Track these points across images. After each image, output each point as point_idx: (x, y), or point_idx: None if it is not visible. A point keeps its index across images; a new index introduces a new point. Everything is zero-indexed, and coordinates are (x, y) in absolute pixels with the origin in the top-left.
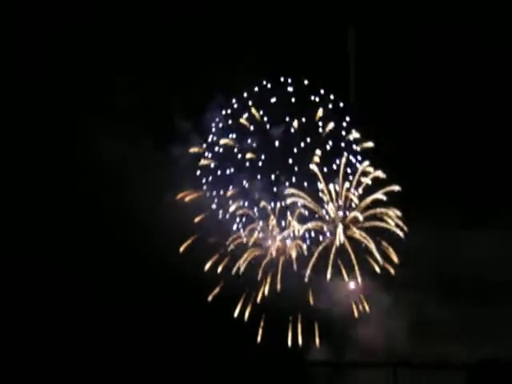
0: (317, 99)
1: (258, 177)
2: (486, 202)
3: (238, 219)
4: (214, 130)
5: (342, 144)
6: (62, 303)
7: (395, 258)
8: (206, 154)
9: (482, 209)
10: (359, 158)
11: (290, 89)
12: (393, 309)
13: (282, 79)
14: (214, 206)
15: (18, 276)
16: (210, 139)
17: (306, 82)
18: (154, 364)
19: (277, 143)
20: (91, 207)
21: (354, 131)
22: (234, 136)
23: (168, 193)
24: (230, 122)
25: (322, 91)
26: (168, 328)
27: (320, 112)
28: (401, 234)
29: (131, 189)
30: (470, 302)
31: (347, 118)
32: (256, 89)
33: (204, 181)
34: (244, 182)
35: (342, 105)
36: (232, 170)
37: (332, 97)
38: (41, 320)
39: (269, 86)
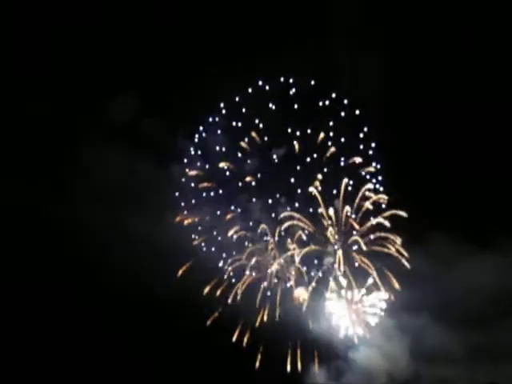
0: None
1: (257, 199)
2: (488, 228)
3: (236, 242)
4: (213, 151)
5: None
6: (65, 332)
7: (396, 285)
8: (206, 176)
9: (482, 235)
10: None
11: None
12: (393, 332)
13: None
14: (212, 229)
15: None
16: (209, 161)
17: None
18: None
19: (277, 163)
20: (86, 229)
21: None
22: (234, 158)
23: (167, 214)
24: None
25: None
26: (165, 352)
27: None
28: (403, 260)
29: (130, 210)
30: (471, 328)
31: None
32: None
33: (203, 203)
34: (243, 204)
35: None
36: (231, 192)
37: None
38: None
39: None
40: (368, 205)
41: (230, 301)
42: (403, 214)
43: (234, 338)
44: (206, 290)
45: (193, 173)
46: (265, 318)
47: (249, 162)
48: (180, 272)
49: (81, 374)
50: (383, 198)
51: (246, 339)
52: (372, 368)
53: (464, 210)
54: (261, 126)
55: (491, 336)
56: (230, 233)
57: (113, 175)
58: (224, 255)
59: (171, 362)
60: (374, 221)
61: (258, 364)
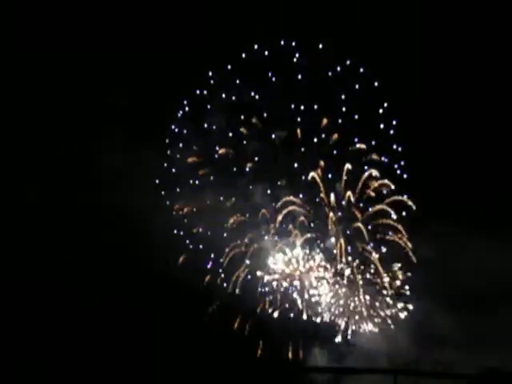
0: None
1: (257, 184)
2: (491, 213)
3: (236, 228)
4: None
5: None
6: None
7: (400, 275)
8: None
9: (486, 220)
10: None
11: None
12: (395, 317)
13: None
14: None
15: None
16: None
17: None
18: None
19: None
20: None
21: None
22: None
23: (167, 202)
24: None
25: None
26: (166, 339)
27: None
28: (408, 249)
29: (130, 197)
30: (474, 312)
31: None
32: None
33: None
34: (243, 189)
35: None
36: (229, 178)
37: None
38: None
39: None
40: (371, 192)
41: (229, 289)
42: (410, 202)
43: (235, 326)
44: (207, 278)
45: (190, 159)
46: (266, 306)
47: (245, 142)
48: (181, 260)
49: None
50: (388, 183)
51: (247, 327)
52: (372, 351)
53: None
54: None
55: (492, 321)
56: (231, 221)
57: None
58: (223, 243)
59: (170, 348)
60: (377, 207)
61: (259, 351)
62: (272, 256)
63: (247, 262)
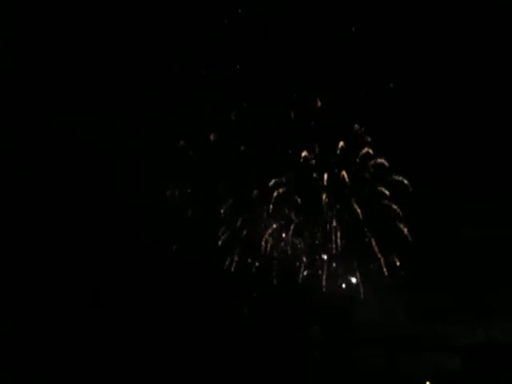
0: None
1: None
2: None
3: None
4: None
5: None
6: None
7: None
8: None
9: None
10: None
11: None
12: (391, 290)
13: None
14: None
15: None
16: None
17: None
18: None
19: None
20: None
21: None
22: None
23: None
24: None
25: None
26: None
27: None
28: (405, 230)
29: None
30: (467, 286)
31: None
32: None
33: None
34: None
35: None
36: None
37: None
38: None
39: None
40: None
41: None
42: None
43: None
44: None
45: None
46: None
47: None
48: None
49: None
50: (383, 162)
51: (244, 308)
52: (371, 324)
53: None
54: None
55: (488, 292)
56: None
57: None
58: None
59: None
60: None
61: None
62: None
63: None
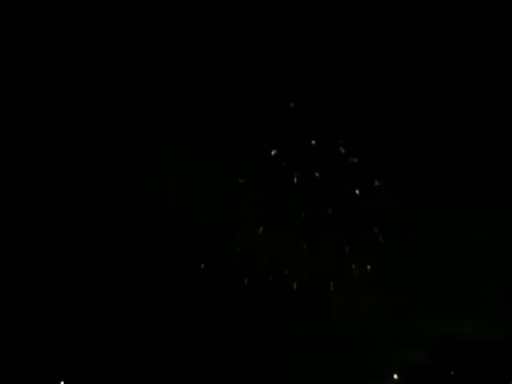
0: None
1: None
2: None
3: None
4: None
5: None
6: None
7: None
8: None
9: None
10: None
11: None
12: (368, 285)
13: None
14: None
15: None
16: None
17: None
18: None
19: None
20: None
21: None
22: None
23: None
24: None
25: None
26: None
27: None
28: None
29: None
30: (437, 282)
31: None
32: None
33: None
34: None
35: None
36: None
37: None
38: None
39: None
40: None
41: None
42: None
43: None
44: None
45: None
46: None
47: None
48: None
49: None
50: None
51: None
52: (347, 321)
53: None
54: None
55: (457, 288)
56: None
57: None
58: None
59: None
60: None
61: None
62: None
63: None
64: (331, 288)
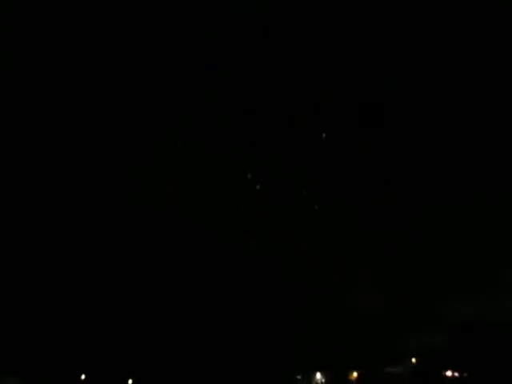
0: None
1: None
2: None
3: None
4: None
5: None
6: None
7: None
8: None
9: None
10: None
11: None
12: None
13: None
14: None
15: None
16: None
17: None
18: None
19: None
20: None
21: None
22: None
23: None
24: None
25: None
26: None
27: None
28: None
29: None
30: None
31: None
32: None
33: None
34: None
35: None
36: None
37: None
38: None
39: None
40: None
41: None
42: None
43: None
44: None
45: None
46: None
47: None
48: None
49: None
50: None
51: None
52: (360, 304)
53: None
54: None
55: (477, 271)
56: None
57: None
58: None
59: None
60: None
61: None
62: None
63: None
64: (344, 275)
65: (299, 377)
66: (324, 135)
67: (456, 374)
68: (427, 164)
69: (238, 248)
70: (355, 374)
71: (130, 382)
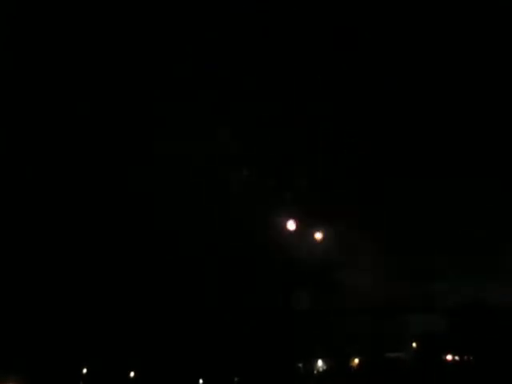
0: None
1: None
2: None
3: None
4: None
5: None
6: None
7: None
8: None
9: None
10: None
11: None
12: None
13: None
14: None
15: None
16: None
17: None
18: None
19: None
20: None
21: None
22: None
23: None
24: None
25: None
26: None
27: None
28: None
29: None
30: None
31: None
32: None
33: None
34: None
35: None
36: None
37: None
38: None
39: None
40: None
41: None
42: None
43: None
44: None
45: None
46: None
47: None
48: None
49: None
50: None
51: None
52: (359, 289)
53: None
54: None
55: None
56: None
57: None
58: None
59: None
60: None
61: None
62: None
63: None
64: (346, 258)
65: (300, 365)
66: (323, 136)
67: (456, 358)
68: (428, 164)
69: (237, 242)
70: (356, 361)
71: (132, 374)
